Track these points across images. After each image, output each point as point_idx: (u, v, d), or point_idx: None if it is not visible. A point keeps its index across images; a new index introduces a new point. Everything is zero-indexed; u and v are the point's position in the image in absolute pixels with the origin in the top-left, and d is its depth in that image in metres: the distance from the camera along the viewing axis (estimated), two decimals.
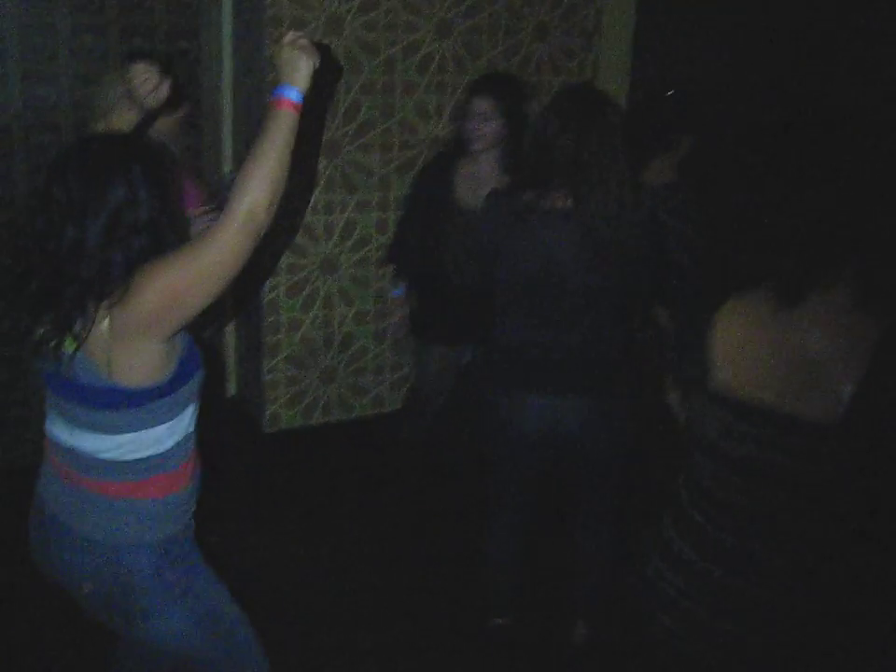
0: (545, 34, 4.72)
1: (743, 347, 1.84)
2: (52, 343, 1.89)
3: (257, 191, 1.83)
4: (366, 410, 4.82)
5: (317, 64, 2.00)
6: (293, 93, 1.93)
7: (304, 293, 4.50)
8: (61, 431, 2.02)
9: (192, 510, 2.19)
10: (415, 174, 4.09)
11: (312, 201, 4.39)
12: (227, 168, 4.47)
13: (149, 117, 2.63)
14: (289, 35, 2.02)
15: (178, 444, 2.06)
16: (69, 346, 1.88)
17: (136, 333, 1.86)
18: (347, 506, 4.09)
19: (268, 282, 4.39)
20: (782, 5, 5.20)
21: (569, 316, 2.78)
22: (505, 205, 2.84)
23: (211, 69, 4.35)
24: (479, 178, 3.53)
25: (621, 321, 2.87)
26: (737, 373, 1.83)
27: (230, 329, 4.78)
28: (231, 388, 4.88)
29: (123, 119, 2.54)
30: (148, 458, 2.01)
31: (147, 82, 2.50)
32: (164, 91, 2.53)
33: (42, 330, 1.91)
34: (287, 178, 1.91)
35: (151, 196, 1.90)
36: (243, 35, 4.28)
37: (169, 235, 1.93)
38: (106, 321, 1.85)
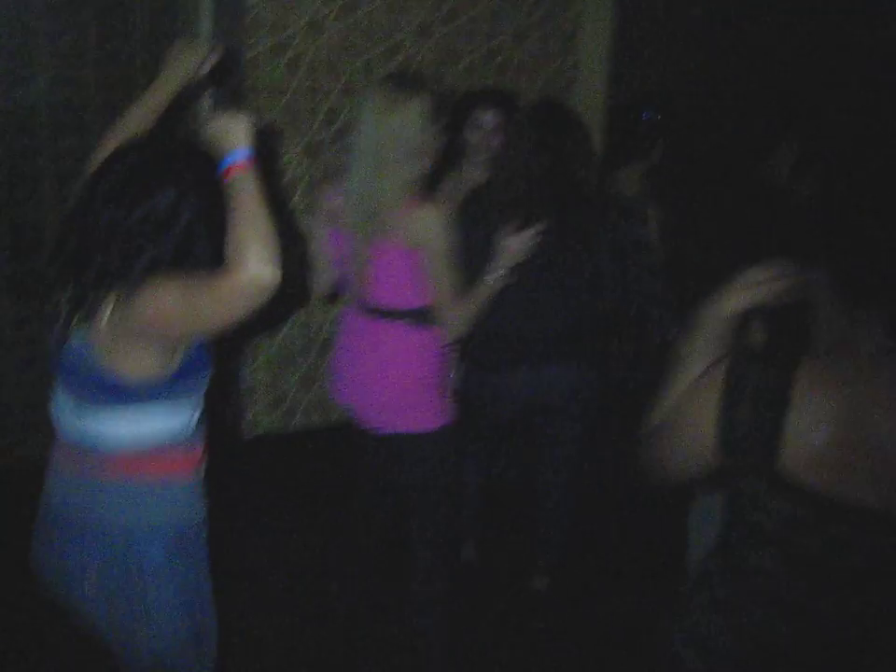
0: (524, 38, 4.73)
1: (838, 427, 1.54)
2: (62, 322, 1.91)
3: (254, 261, 1.76)
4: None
5: (253, 120, 1.99)
6: (239, 155, 1.90)
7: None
8: (68, 416, 2.02)
9: (205, 505, 2.24)
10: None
11: (293, 203, 4.38)
12: None
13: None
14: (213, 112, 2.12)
15: (187, 430, 2.11)
16: (77, 328, 1.90)
17: (130, 334, 1.87)
18: (328, 512, 4.06)
19: None
20: (761, 9, 5.25)
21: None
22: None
23: None
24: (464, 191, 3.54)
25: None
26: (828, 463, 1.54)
27: None
28: (211, 393, 4.84)
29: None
30: (158, 442, 2.02)
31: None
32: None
33: (57, 307, 1.92)
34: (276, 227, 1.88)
35: (197, 202, 1.91)
36: (223, 40, 4.25)
37: (204, 245, 1.92)
38: (109, 310, 1.86)
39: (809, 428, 1.52)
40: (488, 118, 3.48)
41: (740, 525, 1.67)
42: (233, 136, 1.91)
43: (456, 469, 3.07)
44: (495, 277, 2.78)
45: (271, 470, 4.35)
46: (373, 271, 2.80)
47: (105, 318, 1.87)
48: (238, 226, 1.81)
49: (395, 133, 2.62)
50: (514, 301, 3.09)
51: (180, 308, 1.81)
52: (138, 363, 1.91)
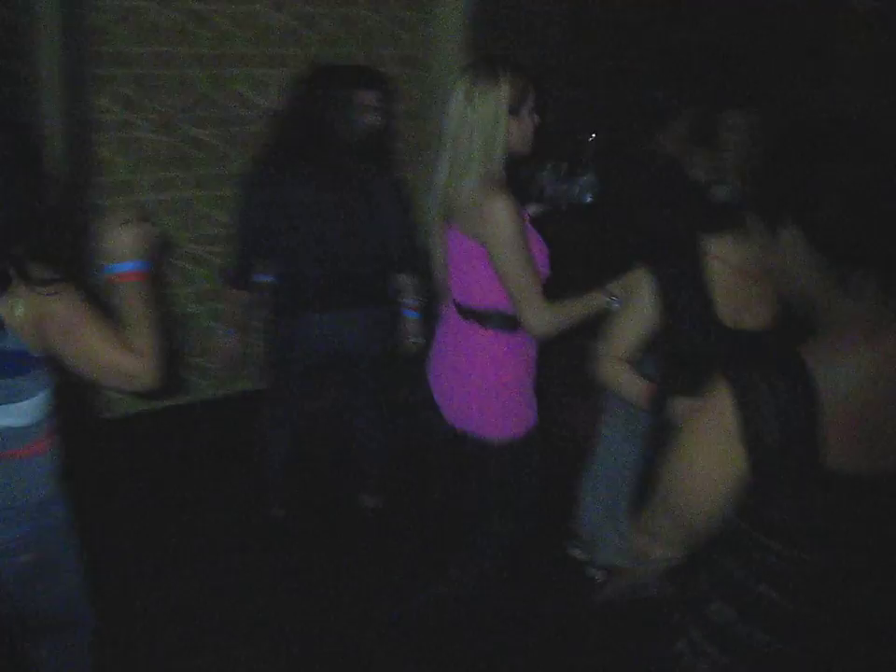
0: (381, 5, 4.69)
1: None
2: None
3: (149, 357, 2.08)
4: (209, 391, 4.72)
5: (155, 233, 2.16)
6: (129, 267, 2.09)
7: None
8: None
9: None
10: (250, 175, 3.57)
11: (149, 179, 4.26)
12: None
13: None
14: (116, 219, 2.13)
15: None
16: None
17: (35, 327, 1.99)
18: (198, 489, 4.01)
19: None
20: None
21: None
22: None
23: (34, 36, 4.13)
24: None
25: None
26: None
27: None
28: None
29: None
30: (47, 417, 2.14)
31: None
32: None
33: None
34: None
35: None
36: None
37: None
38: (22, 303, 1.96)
39: (836, 411, 1.44)
40: (365, 96, 3.36)
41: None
42: (125, 249, 2.06)
43: (526, 482, 2.95)
44: (610, 303, 2.61)
45: (131, 452, 4.24)
46: (453, 267, 2.80)
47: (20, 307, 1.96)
48: (134, 325, 2.06)
49: (471, 126, 2.58)
50: (311, 246, 3.36)
51: (78, 343, 2.00)
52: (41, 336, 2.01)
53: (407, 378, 3.57)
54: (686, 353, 2.24)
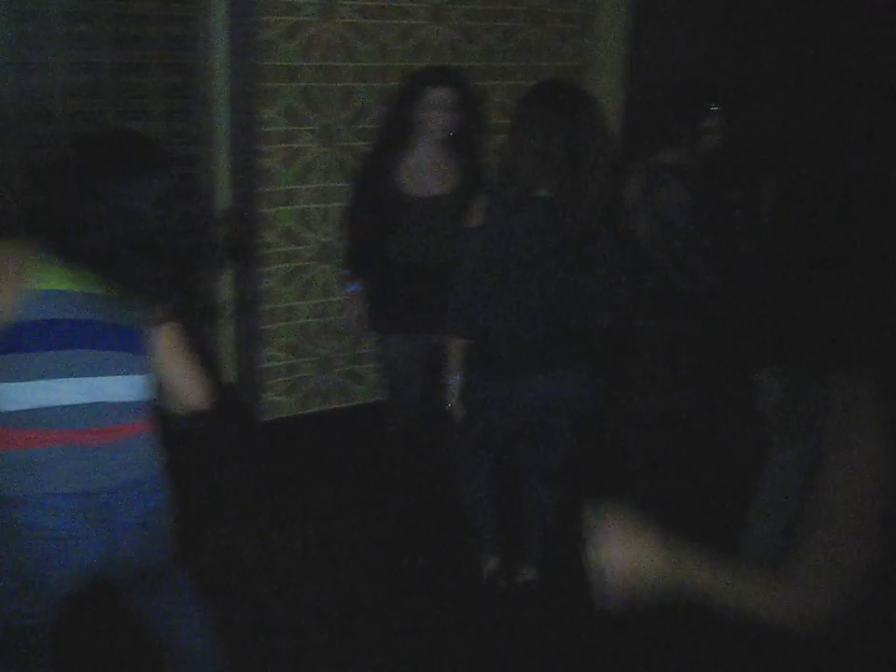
0: (541, 18, 4.70)
1: None
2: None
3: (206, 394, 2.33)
4: (365, 397, 4.81)
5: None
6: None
7: (301, 281, 4.49)
8: (78, 393, 2.12)
9: None
10: (358, 169, 3.84)
11: (311, 189, 4.39)
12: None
13: None
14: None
15: None
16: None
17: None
18: (345, 495, 4.08)
19: (264, 270, 4.38)
20: None
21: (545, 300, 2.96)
22: (501, 200, 2.93)
23: (206, 53, 4.33)
24: (425, 169, 3.57)
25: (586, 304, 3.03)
26: None
27: (228, 314, 4.76)
28: (230, 377, 4.87)
29: None
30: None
31: None
32: None
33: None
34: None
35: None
36: (238, 20, 4.25)
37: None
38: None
39: None
40: (438, 94, 3.44)
41: None
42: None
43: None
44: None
45: (289, 454, 4.37)
46: None
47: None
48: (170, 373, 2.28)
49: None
50: (519, 301, 2.94)
51: (170, 365, 2.27)
52: None
53: None
54: None
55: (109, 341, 2.13)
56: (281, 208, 4.34)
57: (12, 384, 2.05)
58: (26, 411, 2.07)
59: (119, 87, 4.15)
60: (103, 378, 2.12)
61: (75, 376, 2.09)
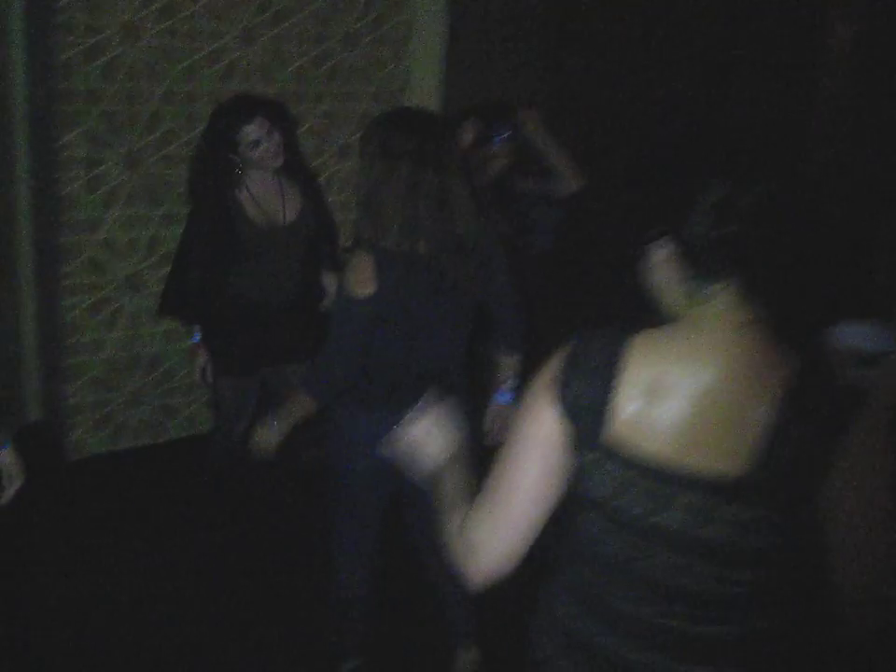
0: (354, 42, 4.65)
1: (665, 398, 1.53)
2: None
3: None
4: (179, 431, 4.64)
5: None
6: None
7: (107, 312, 4.29)
8: None
9: None
10: (191, 210, 3.53)
11: (116, 216, 4.20)
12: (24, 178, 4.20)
13: None
14: None
15: None
16: None
17: None
18: (156, 533, 3.90)
19: (67, 301, 4.16)
20: (589, 14, 5.31)
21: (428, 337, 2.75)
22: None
23: (2, 75, 4.09)
24: (264, 199, 3.45)
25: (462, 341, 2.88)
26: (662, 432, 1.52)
27: (31, 349, 4.51)
28: (34, 415, 4.60)
29: None
30: None
31: None
32: None
33: None
34: None
35: None
36: (35, 41, 4.03)
37: None
38: None
39: (642, 399, 1.51)
40: (257, 126, 3.31)
41: (571, 497, 1.61)
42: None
43: None
44: None
45: (98, 493, 4.16)
46: None
47: None
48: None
49: None
50: (404, 332, 2.72)
51: None
52: None
53: None
54: None
55: None
56: (84, 236, 4.15)
57: None
58: None
59: None
60: None
61: None
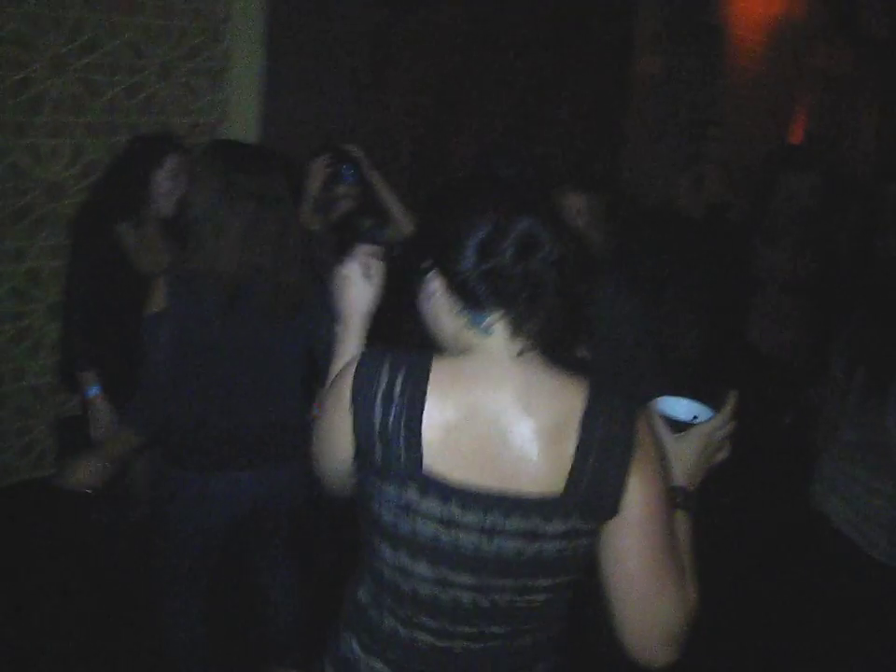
0: (168, 72, 4.56)
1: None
2: None
3: None
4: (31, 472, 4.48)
5: None
6: None
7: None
8: None
9: None
10: (70, 261, 3.48)
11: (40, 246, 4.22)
12: None
13: None
14: None
15: None
16: None
17: None
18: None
19: None
20: (404, 51, 5.39)
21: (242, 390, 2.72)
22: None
23: None
24: (150, 243, 3.41)
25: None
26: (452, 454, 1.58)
27: None
28: None
29: None
30: None
31: None
32: None
33: None
34: None
35: None
36: None
37: None
38: None
39: (433, 421, 1.56)
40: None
41: (365, 515, 1.68)
42: None
43: None
44: None
45: (22, 518, 4.01)
46: None
47: None
48: None
49: None
50: (211, 391, 2.69)
51: None
52: None
53: None
54: None
55: None
56: (8, 267, 4.11)
57: None
58: None
59: None
60: None
61: None
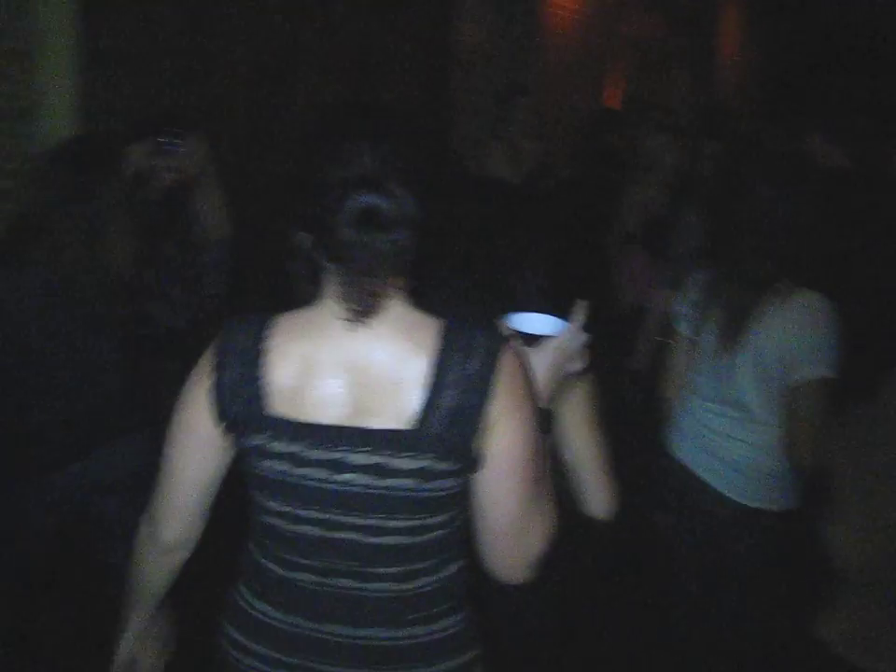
0: None
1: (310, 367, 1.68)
2: None
3: None
4: None
5: None
6: None
7: None
8: None
9: None
10: None
11: None
12: None
13: None
14: None
15: None
16: None
17: None
18: None
19: None
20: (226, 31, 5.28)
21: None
22: None
23: None
24: None
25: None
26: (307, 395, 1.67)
27: None
28: None
29: None
30: None
31: None
32: None
33: None
34: None
35: None
36: None
37: None
38: None
39: (281, 373, 1.67)
40: None
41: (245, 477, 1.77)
42: None
43: None
44: None
45: None
46: None
47: None
48: None
49: None
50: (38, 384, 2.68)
51: None
52: None
53: None
54: None
55: None
56: None
57: None
58: None
59: None
60: None
61: None
